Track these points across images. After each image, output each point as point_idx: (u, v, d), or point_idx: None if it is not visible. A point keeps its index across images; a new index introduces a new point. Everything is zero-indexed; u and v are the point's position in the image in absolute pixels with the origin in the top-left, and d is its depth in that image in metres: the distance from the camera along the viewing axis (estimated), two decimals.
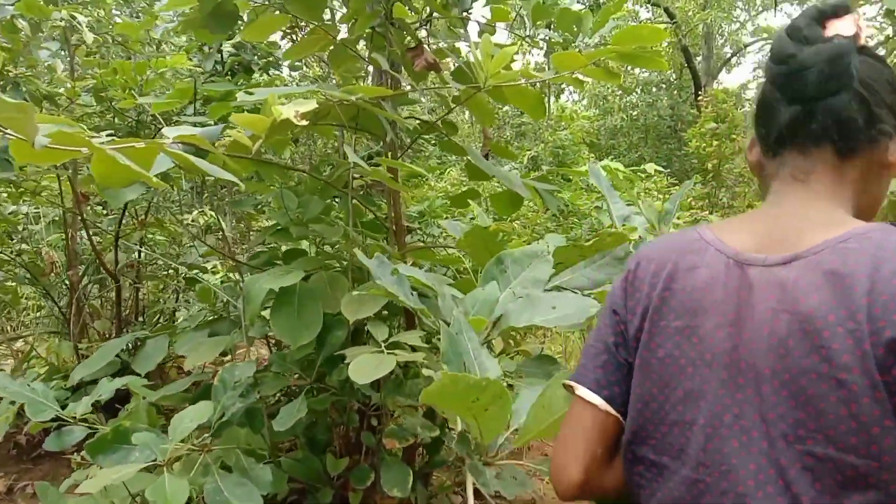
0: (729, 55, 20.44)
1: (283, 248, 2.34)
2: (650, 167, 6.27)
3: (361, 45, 2.42)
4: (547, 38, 2.62)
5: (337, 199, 2.37)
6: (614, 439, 0.92)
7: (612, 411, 0.90)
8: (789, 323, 0.74)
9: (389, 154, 2.20)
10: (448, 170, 10.91)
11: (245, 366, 1.82)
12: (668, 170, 18.67)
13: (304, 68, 4.50)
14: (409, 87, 2.46)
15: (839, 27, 0.82)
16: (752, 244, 0.83)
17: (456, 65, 2.51)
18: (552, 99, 21.62)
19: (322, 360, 1.90)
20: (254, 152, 1.79)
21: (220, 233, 3.71)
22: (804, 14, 0.84)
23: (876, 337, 0.69)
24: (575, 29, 2.51)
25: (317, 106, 1.55)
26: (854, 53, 0.81)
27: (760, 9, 18.88)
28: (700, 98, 15.47)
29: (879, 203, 0.89)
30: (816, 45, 0.81)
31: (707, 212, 13.98)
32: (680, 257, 0.87)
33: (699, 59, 19.61)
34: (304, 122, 1.49)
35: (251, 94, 1.71)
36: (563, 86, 25.12)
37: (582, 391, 0.91)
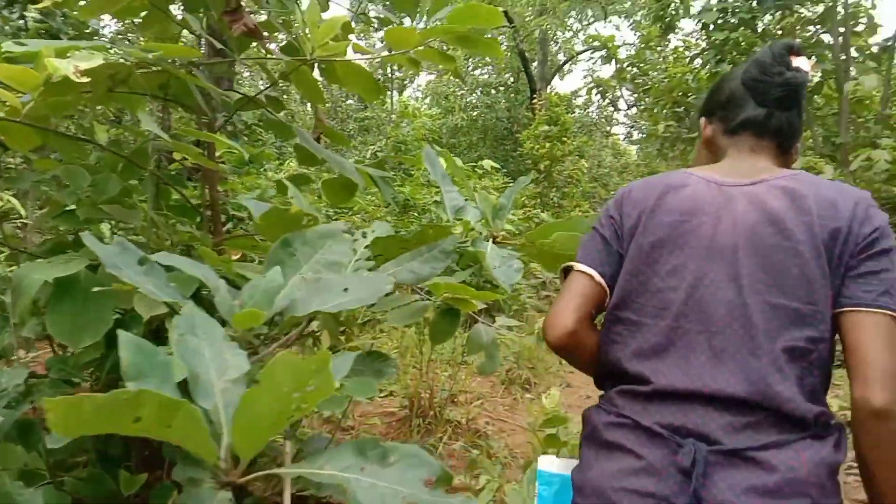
0: (562, 62, 21.47)
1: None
2: (487, 163, 6.32)
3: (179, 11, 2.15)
4: (380, 15, 2.48)
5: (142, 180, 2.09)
6: (599, 306, 1.18)
7: (604, 283, 1.16)
8: (758, 216, 1.06)
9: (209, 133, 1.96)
10: (288, 161, 10.52)
11: (14, 371, 1.52)
12: (504, 170, 19.30)
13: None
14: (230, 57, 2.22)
15: (800, 62, 1.17)
16: (720, 175, 1.15)
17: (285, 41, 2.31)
18: (395, 94, 21.61)
19: (111, 364, 1.63)
20: (38, 120, 1.50)
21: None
22: (781, 45, 1.18)
23: (822, 227, 1.02)
24: (413, 10, 2.40)
25: (102, 62, 1.30)
26: (804, 85, 1.17)
27: (592, 19, 19.98)
28: (534, 101, 16.13)
29: None
30: (791, 72, 1.16)
31: (539, 210, 14.62)
32: (670, 181, 1.16)
33: (535, 64, 20.42)
34: (85, 80, 1.24)
35: (23, 44, 1.42)
36: (407, 81, 25.23)
37: (582, 267, 1.17)
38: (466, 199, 2.20)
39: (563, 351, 1.17)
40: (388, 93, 16.23)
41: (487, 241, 1.89)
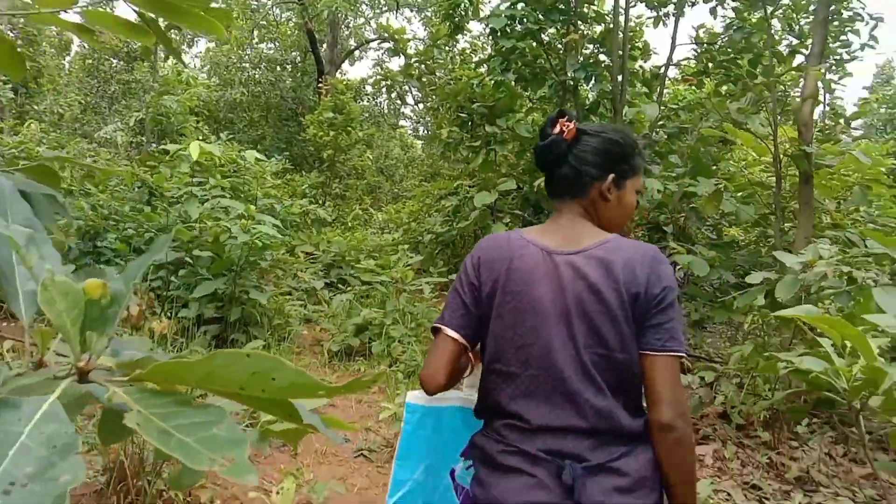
0: (353, 47, 20.81)
1: None
2: (250, 154, 5.55)
3: None
4: None
5: None
6: (460, 361, 1.47)
7: (466, 343, 1.44)
8: (583, 286, 1.35)
9: None
10: None
11: None
12: (287, 153, 18.27)
13: None
14: None
15: (566, 125, 1.47)
16: (553, 244, 1.42)
17: None
18: (161, 59, 19.54)
19: None
20: None
21: None
22: (548, 119, 1.50)
23: (627, 291, 1.33)
24: None
25: None
26: (562, 143, 1.46)
27: (385, 8, 19.53)
28: (321, 85, 15.36)
29: (621, 217, 1.51)
30: (545, 140, 1.48)
31: (321, 201, 13.92)
32: (514, 249, 1.43)
33: (324, 46, 19.57)
34: None
35: None
36: (185, 46, 22.96)
37: (448, 331, 1.43)
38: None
39: (432, 395, 1.47)
40: (155, 55, 14.42)
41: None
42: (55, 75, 17.37)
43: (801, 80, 5.10)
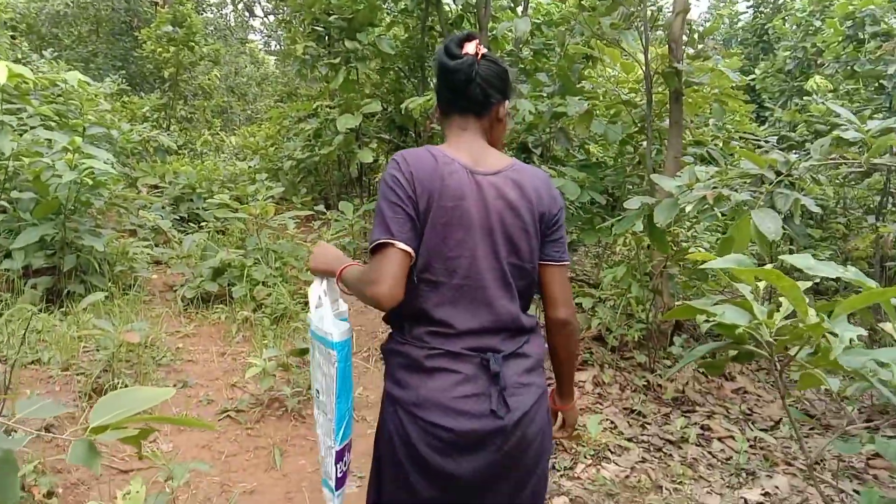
0: None
1: None
2: (73, 75, 4.74)
3: None
4: None
5: None
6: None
7: (414, 256, 1.47)
8: (502, 204, 1.51)
9: None
10: None
11: None
12: (124, 71, 16.52)
13: None
14: None
15: (469, 47, 1.55)
16: (469, 162, 1.53)
17: None
18: None
19: None
20: None
21: None
22: (451, 39, 1.59)
23: (537, 210, 1.55)
24: None
25: None
26: (476, 64, 1.54)
27: None
28: None
29: (500, 140, 1.67)
30: (458, 60, 1.54)
31: (165, 125, 12.72)
32: (442, 166, 1.49)
33: None
34: None
35: None
36: None
37: (401, 245, 1.43)
38: None
39: (387, 310, 1.51)
40: None
41: None
42: None
43: None
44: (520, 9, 7.33)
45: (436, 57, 1.61)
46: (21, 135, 4.67)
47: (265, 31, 19.96)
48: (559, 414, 1.79)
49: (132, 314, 4.42)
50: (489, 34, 6.93)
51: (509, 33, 7.19)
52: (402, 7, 7.35)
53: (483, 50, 1.56)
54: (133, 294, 4.81)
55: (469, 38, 1.57)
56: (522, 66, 7.09)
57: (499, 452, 1.47)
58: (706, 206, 3.30)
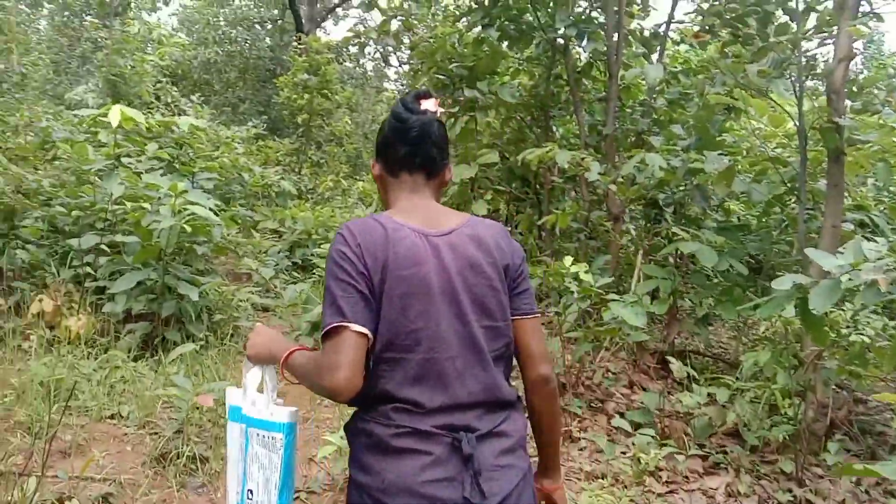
0: (334, 4, 19.71)
1: None
2: (185, 121, 4.76)
3: None
4: None
5: None
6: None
7: (371, 337, 1.35)
8: (462, 263, 1.41)
9: None
10: None
11: None
12: (266, 117, 17.35)
13: None
14: None
15: (427, 104, 1.52)
16: (421, 225, 1.44)
17: None
18: (131, 16, 18.43)
19: None
20: None
21: None
22: (410, 94, 1.54)
23: (500, 264, 1.46)
24: None
25: None
26: (434, 122, 1.51)
27: None
28: (294, 44, 14.38)
29: (438, 201, 1.58)
30: (417, 115, 1.50)
31: (297, 169, 13.07)
32: (390, 233, 1.39)
33: (304, 3, 18.48)
34: None
35: None
36: (161, 2, 21.78)
37: (356, 327, 1.31)
38: None
39: (345, 401, 1.35)
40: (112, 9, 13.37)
41: None
42: (15, 33, 16.22)
43: (829, 38, 4.34)
44: (654, 56, 6.82)
45: (390, 113, 1.55)
46: (140, 175, 4.71)
47: (399, 80, 20.42)
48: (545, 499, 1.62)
49: (223, 367, 4.24)
50: (619, 83, 6.47)
51: (642, 82, 6.70)
52: (528, 55, 7.03)
53: (441, 109, 1.56)
54: (231, 344, 4.66)
55: (426, 95, 1.54)
56: (655, 116, 6.56)
57: None
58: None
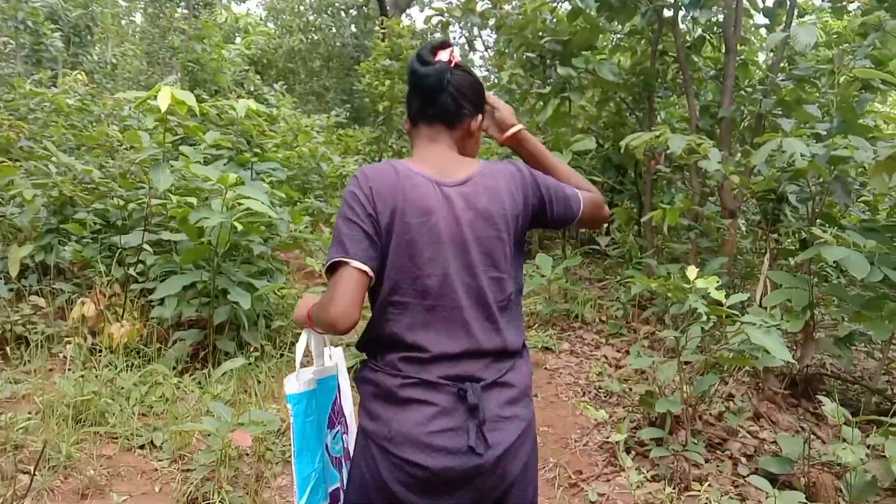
0: None
1: None
2: (242, 105, 4.25)
3: None
4: None
5: None
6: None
7: (373, 276, 1.36)
8: (474, 214, 1.41)
9: None
10: None
11: None
12: (349, 105, 17.01)
13: None
14: None
15: (442, 55, 1.47)
16: (435, 174, 1.43)
17: None
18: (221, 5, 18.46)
19: None
20: None
21: None
22: (425, 46, 1.50)
23: (511, 214, 1.45)
24: None
25: None
26: (447, 72, 1.46)
27: None
28: (377, 29, 13.90)
29: (473, 154, 1.57)
30: (430, 66, 1.46)
31: (377, 158, 12.60)
32: (404, 179, 1.39)
33: None
34: None
35: None
36: None
37: (356, 263, 1.33)
38: None
39: (346, 333, 1.36)
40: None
41: None
42: (108, 23, 16.47)
43: None
44: (780, 28, 5.87)
45: (407, 64, 1.54)
46: (196, 164, 4.24)
47: (485, 64, 19.72)
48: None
49: (277, 384, 3.71)
50: (738, 59, 5.58)
51: (771, 53, 5.77)
52: (631, 28, 6.20)
53: (457, 58, 1.50)
54: (289, 355, 4.14)
55: (443, 45, 1.50)
56: (781, 96, 5.62)
57: (477, 492, 1.38)
58: None
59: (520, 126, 1.64)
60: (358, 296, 1.33)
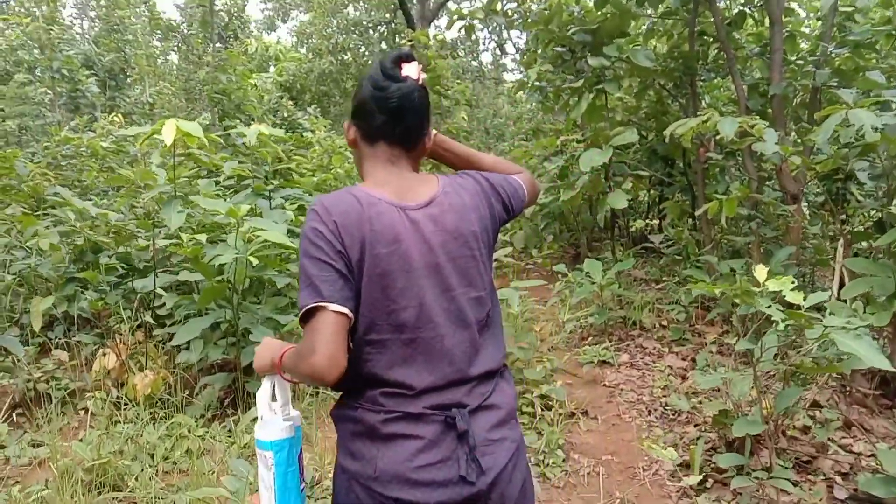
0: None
1: None
2: (253, 130, 4.02)
3: None
4: None
5: None
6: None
7: (352, 317, 1.26)
8: (444, 235, 1.33)
9: None
10: None
11: None
12: None
13: None
14: None
15: (409, 70, 1.36)
16: (397, 198, 1.33)
17: None
18: (252, 35, 18.56)
19: None
20: None
21: None
22: (389, 57, 1.37)
23: (480, 229, 1.40)
24: None
25: None
26: (417, 90, 1.36)
27: None
28: (405, 43, 13.68)
29: (416, 170, 1.46)
30: (399, 83, 1.34)
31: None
32: (367, 208, 1.28)
33: (414, 1, 17.87)
34: None
35: None
36: (280, 21, 21.95)
37: (334, 307, 1.22)
38: None
39: (333, 384, 1.25)
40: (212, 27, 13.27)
41: None
42: (143, 64, 16.72)
43: None
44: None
45: (367, 77, 1.40)
46: (218, 198, 4.01)
47: (518, 69, 19.38)
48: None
49: (308, 429, 3.44)
50: (784, 31, 5.12)
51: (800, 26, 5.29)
52: (664, 10, 5.79)
53: (424, 76, 1.40)
54: (325, 393, 3.86)
55: (407, 58, 1.39)
56: (835, 66, 5.14)
57: None
58: None
59: (434, 131, 1.54)
60: (342, 341, 1.23)
